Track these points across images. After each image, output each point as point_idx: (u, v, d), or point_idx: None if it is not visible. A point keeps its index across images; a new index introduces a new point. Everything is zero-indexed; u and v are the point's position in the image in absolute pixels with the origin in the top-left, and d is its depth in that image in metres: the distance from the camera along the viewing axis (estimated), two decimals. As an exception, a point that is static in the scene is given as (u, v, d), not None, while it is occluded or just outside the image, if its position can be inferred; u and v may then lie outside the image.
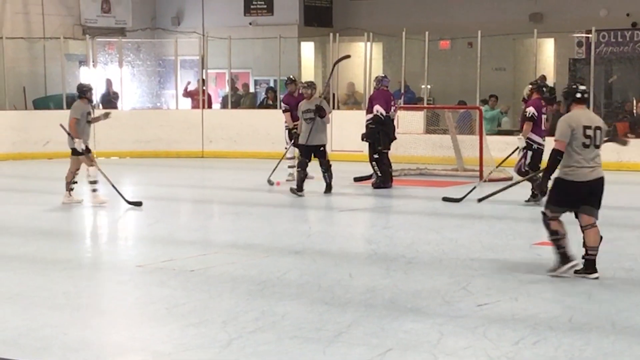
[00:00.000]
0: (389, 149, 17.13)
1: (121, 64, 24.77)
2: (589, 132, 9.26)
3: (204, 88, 24.61)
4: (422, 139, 20.36)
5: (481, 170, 18.01)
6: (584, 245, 9.44)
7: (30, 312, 8.13)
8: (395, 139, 17.26)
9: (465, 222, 13.42)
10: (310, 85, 16.35)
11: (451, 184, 17.41)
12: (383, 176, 16.87)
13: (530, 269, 9.91)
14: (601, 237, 9.42)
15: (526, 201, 14.63)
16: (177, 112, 25.16)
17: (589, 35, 22.56)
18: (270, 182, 17.05)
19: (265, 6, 27.99)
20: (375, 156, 16.96)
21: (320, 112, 15.62)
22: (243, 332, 7.43)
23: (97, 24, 27.96)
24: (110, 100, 24.82)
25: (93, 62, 24.74)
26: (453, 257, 10.56)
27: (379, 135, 16.89)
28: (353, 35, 25.40)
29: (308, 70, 27.74)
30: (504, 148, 19.22)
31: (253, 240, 11.85)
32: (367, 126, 17.05)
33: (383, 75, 18.29)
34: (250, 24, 27.98)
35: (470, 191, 14.64)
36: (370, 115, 16.95)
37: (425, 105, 22.88)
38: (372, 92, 18.14)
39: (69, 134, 14.57)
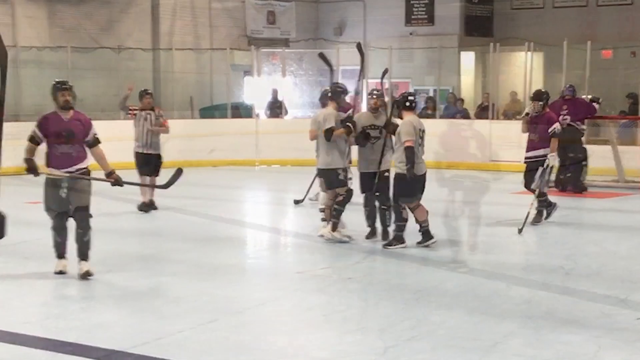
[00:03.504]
0: None
1: (284, 73, 25.19)
2: (421, 133, 11.39)
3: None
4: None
5: (643, 182, 17.74)
6: (417, 221, 11.63)
7: (193, 316, 8.36)
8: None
9: (625, 234, 13.23)
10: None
11: (611, 195, 17.14)
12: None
13: (692, 284, 9.76)
14: (427, 211, 11.58)
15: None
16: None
17: None
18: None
19: (426, 16, 28.05)
20: None
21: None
22: (399, 340, 7.53)
23: (263, 35, 28.52)
24: (275, 108, 25.28)
25: (257, 72, 25.23)
26: (612, 270, 10.46)
27: None
28: (513, 44, 25.19)
29: (468, 80, 27.68)
30: (665, 159, 18.79)
31: (408, 249, 11.89)
32: None
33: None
34: (410, 34, 28.06)
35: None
36: None
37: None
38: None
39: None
